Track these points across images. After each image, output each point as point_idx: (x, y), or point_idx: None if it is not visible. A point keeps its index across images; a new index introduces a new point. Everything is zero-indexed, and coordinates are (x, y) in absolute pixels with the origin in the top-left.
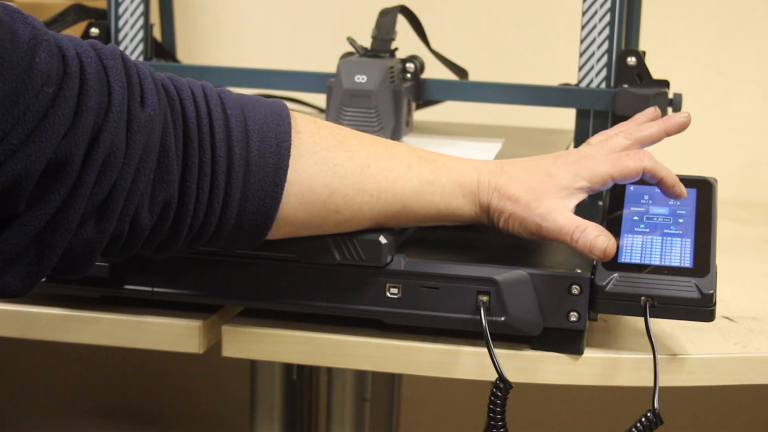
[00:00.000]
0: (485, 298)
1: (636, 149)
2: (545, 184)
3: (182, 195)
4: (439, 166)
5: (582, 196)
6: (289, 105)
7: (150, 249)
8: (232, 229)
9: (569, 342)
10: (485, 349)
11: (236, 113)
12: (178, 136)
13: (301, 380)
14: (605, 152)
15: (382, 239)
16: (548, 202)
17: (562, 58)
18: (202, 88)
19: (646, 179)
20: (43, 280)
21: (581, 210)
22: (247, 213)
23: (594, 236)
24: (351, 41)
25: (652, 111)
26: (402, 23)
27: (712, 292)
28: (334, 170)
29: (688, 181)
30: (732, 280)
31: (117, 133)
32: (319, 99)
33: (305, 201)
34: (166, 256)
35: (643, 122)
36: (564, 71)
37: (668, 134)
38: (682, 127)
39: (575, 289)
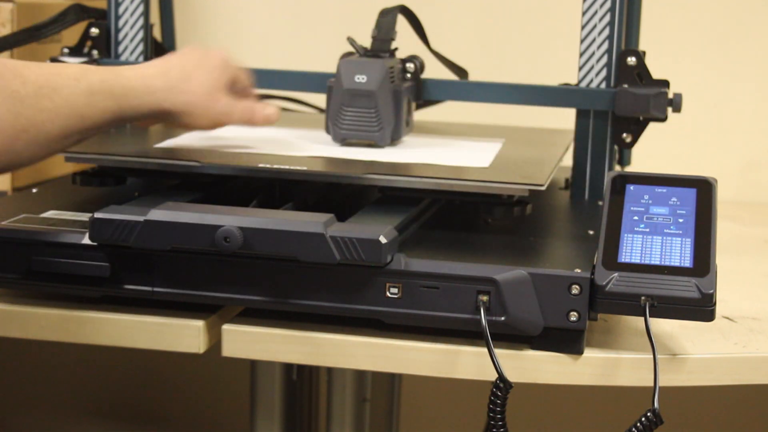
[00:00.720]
0: (485, 298)
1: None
2: (217, 81)
3: None
4: (106, 74)
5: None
6: (289, 105)
7: None
8: None
9: (569, 342)
10: (485, 349)
11: None
12: None
13: (301, 380)
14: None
15: (382, 239)
16: (223, 101)
17: (562, 58)
18: None
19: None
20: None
21: (582, 212)
22: None
23: (260, 108)
24: (351, 41)
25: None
26: (402, 23)
27: (712, 291)
28: (12, 96)
29: (688, 181)
30: (732, 280)
31: None
32: (319, 99)
33: None
34: None
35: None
36: (564, 71)
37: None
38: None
39: (575, 289)
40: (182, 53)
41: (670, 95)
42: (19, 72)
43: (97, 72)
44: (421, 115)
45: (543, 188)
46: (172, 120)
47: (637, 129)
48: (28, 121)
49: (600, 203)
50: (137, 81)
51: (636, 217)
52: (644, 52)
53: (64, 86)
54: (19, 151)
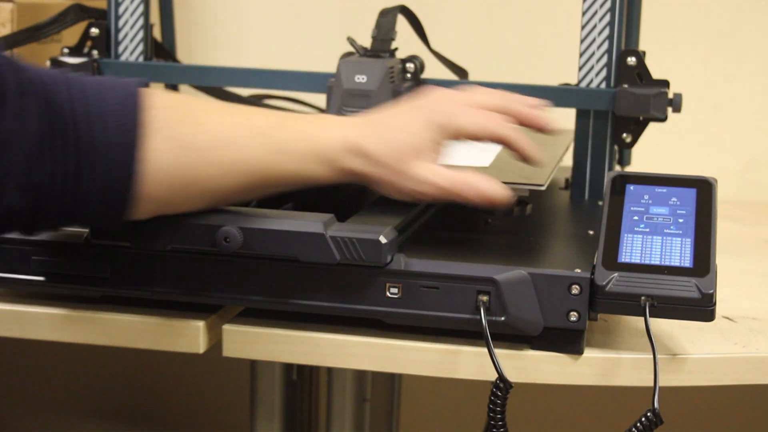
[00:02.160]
0: (485, 298)
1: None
2: (410, 144)
3: (44, 179)
4: (295, 132)
5: (441, 148)
6: (289, 105)
7: (9, 230)
8: (88, 209)
9: (569, 342)
10: (485, 349)
11: (90, 93)
12: (38, 121)
13: (301, 380)
14: (465, 102)
15: (382, 239)
16: (417, 166)
17: (562, 58)
18: (53, 72)
19: (503, 144)
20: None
21: (582, 212)
22: (102, 193)
23: (477, 181)
24: (351, 41)
25: (538, 102)
26: (402, 23)
27: (712, 291)
28: (183, 146)
29: (688, 181)
30: (732, 280)
31: None
32: (319, 99)
33: (161, 178)
34: (32, 236)
35: (522, 101)
36: (564, 71)
37: (529, 122)
38: (541, 126)
39: (575, 289)
40: (395, 105)
41: (670, 95)
42: (198, 119)
43: (286, 127)
44: None
45: (543, 188)
46: (358, 182)
47: (637, 129)
48: (199, 176)
49: (600, 203)
50: (328, 143)
51: (636, 217)
52: (644, 52)
53: (245, 139)
54: (182, 204)
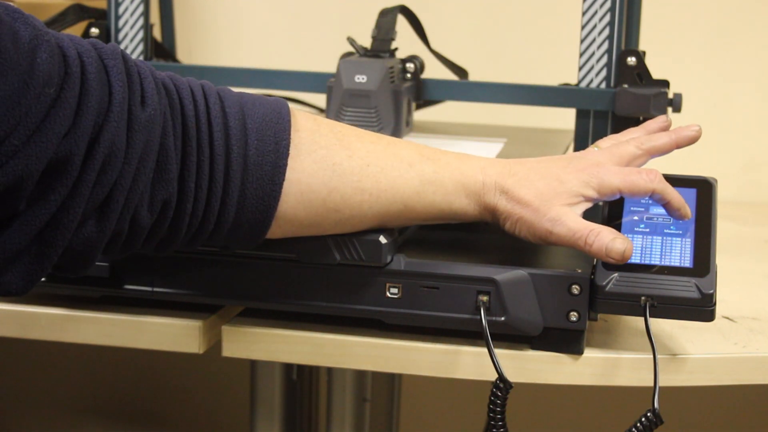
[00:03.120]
0: (485, 298)
1: (646, 163)
2: (555, 190)
3: (181, 194)
4: (442, 165)
5: (589, 205)
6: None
7: (150, 247)
8: (231, 227)
9: (569, 342)
10: (485, 349)
11: (235, 111)
12: (177, 135)
13: (301, 380)
14: (615, 161)
15: (382, 239)
16: (558, 208)
17: (562, 58)
18: (202, 87)
19: (654, 200)
20: (43, 279)
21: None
22: (245, 212)
23: (610, 239)
24: (351, 41)
25: (663, 119)
26: (402, 23)
27: (712, 292)
28: (333, 169)
29: (688, 181)
30: (732, 280)
31: (117, 132)
32: (319, 99)
33: (304, 200)
34: (166, 254)
35: (654, 131)
36: (564, 71)
37: (678, 147)
38: (692, 141)
39: (575, 289)
40: (551, 159)
41: (670, 95)
42: (347, 144)
43: (433, 159)
44: (421, 115)
45: None
46: (495, 221)
47: None
48: (343, 201)
49: (600, 203)
50: (476, 177)
51: (636, 217)
52: (644, 52)
53: (393, 168)
54: (317, 228)
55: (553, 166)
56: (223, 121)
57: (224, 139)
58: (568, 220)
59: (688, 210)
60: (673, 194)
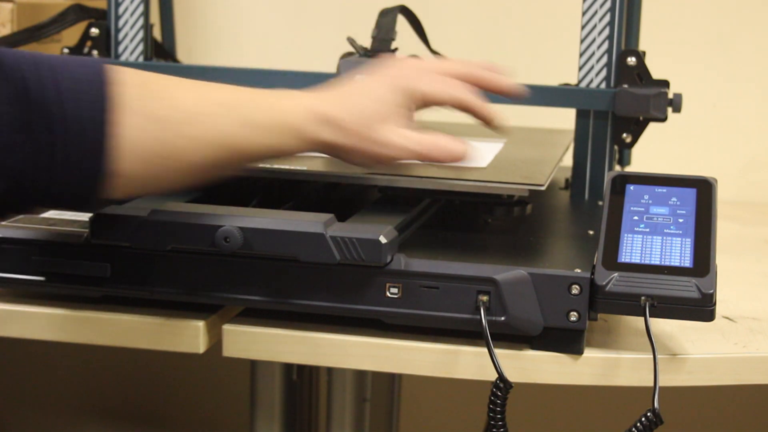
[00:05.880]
0: (485, 298)
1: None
2: (375, 111)
3: (17, 163)
4: (260, 105)
5: (411, 113)
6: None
7: None
8: (62, 188)
9: (569, 342)
10: (485, 349)
11: (54, 71)
12: (5, 104)
13: (301, 380)
14: (428, 69)
15: (382, 239)
16: (382, 130)
17: (562, 58)
18: (21, 55)
19: (458, 109)
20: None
21: (582, 212)
22: (74, 170)
23: (445, 142)
24: (351, 41)
25: (491, 64)
26: (402, 23)
27: (712, 292)
28: (158, 120)
29: (688, 181)
30: (732, 280)
31: None
32: None
33: (133, 153)
34: (2, 219)
35: (484, 67)
36: (564, 71)
37: (491, 89)
38: (502, 89)
39: (575, 289)
40: (359, 74)
41: (670, 95)
42: (167, 94)
43: (254, 101)
44: (421, 115)
45: (543, 188)
46: (328, 154)
47: (637, 129)
48: (175, 150)
49: (600, 203)
50: (295, 114)
51: (636, 217)
52: (644, 52)
53: (214, 114)
54: (157, 180)
55: (367, 83)
56: (43, 80)
57: (42, 97)
58: (396, 140)
59: (499, 119)
60: (479, 105)
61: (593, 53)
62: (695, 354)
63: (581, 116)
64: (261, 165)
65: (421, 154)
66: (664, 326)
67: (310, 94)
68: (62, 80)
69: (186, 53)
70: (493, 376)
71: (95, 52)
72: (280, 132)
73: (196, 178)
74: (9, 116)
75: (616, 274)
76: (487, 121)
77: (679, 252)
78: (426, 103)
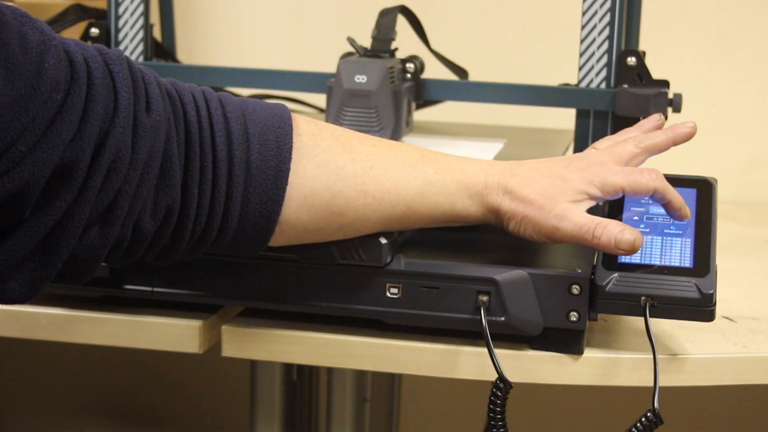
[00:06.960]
0: (485, 298)
1: (644, 162)
2: (559, 188)
3: (185, 200)
4: (443, 167)
5: (592, 203)
6: (289, 105)
7: (152, 255)
8: (234, 233)
9: (569, 342)
10: (485, 349)
11: (236, 116)
12: (180, 141)
13: (301, 380)
14: (615, 160)
15: (382, 239)
16: (563, 205)
17: (562, 58)
18: (203, 93)
19: (654, 199)
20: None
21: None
22: (249, 217)
23: (618, 231)
24: (351, 41)
25: (657, 118)
26: (402, 23)
27: (712, 292)
28: (336, 172)
29: (688, 181)
30: (732, 280)
31: (123, 138)
32: (319, 99)
33: (307, 204)
34: (168, 262)
35: (649, 129)
36: (564, 71)
37: (675, 144)
38: (688, 137)
39: (575, 289)
40: (553, 159)
41: (670, 95)
42: (349, 147)
43: (434, 160)
44: (421, 115)
45: None
46: (500, 224)
47: None
48: (347, 204)
49: (600, 203)
50: (477, 177)
51: (636, 218)
52: (644, 52)
53: (396, 170)
54: (320, 234)
55: (555, 165)
56: (225, 126)
57: (226, 145)
58: (574, 216)
59: (688, 210)
60: (674, 194)
61: (593, 53)
62: (695, 354)
63: (581, 116)
64: None
65: (594, 236)
66: (664, 326)
67: (489, 161)
68: (251, 126)
69: (186, 53)
70: (493, 376)
71: None
72: (461, 193)
73: (360, 232)
74: (178, 155)
75: (616, 275)
76: (676, 209)
77: (679, 252)
78: (618, 193)
